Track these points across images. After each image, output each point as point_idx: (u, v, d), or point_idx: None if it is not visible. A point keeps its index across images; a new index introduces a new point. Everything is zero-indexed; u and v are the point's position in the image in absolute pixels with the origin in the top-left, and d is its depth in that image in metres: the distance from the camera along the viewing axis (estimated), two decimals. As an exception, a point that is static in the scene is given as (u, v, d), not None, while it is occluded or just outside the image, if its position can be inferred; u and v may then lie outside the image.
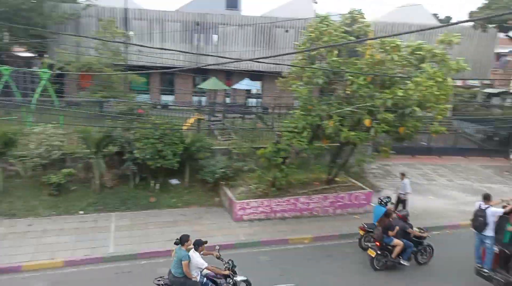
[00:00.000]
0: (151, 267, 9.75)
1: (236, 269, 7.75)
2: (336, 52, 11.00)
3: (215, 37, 26.14)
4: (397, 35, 4.92)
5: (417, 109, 9.80)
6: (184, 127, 15.29)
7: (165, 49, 6.17)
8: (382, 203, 10.76)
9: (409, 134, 11.41)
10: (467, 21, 3.82)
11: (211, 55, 7.35)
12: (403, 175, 13.66)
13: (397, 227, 9.59)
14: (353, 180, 14.88)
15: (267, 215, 12.75)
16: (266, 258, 10.34)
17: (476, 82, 46.52)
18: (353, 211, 13.56)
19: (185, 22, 25.64)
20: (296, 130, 11.22)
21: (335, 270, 9.84)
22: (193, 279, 7.09)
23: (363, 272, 9.81)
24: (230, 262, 7.76)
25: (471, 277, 9.14)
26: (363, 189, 13.99)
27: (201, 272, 7.27)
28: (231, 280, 7.52)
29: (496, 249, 8.53)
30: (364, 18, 11.92)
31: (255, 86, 25.97)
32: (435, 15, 36.26)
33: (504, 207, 8.51)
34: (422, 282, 9.47)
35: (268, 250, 10.47)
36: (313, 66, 11.32)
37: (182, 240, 7.13)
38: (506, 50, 49.38)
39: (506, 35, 25.02)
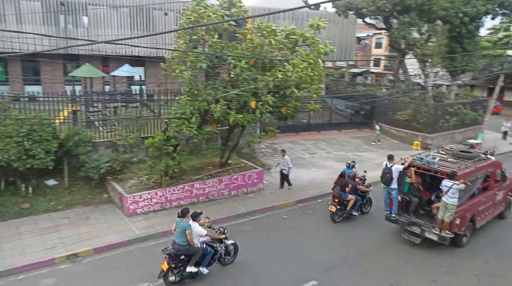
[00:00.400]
0: (32, 280, 8.72)
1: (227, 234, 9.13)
2: (216, 36, 11.13)
3: (85, 19, 23.73)
4: (270, 14, 5.27)
5: (295, 89, 10.62)
6: (57, 121, 13.72)
7: (22, 33, 5.39)
8: (350, 166, 12.42)
9: (290, 114, 12.35)
10: (319, 3, 4.29)
11: (80, 39, 6.67)
12: (283, 152, 14.73)
13: (350, 185, 11.69)
14: (245, 161, 15.51)
15: (162, 205, 12.50)
16: (165, 248, 10.17)
17: (343, 63, 52.65)
18: (247, 191, 14.21)
19: (46, 2, 22.60)
20: (184, 117, 11.12)
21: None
22: (195, 245, 8.29)
23: (255, 249, 10.48)
24: (221, 228, 9.08)
25: (384, 223, 11.14)
26: (255, 168, 14.71)
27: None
28: (223, 245, 9.02)
29: (399, 197, 10.59)
30: (242, 3, 12.28)
31: (137, 72, 24.60)
32: (304, 1, 39.28)
33: (402, 164, 10.44)
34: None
35: (167, 240, 10.31)
36: (196, 50, 11.27)
37: (184, 213, 8.28)
38: (365, 34, 57.05)
39: (363, 21, 28.63)
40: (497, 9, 23.18)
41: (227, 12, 11.76)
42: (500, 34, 35.93)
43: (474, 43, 24.07)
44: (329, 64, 54.48)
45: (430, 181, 11.24)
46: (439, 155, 11.03)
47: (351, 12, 26.28)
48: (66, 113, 15.81)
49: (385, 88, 35.61)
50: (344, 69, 51.10)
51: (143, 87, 25.39)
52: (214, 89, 11.15)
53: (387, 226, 11.38)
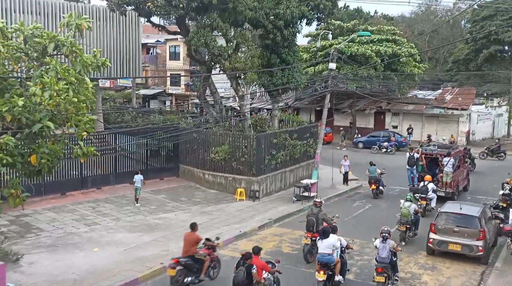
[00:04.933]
0: None
1: None
2: None
3: None
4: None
5: (50, 124, 9.90)
6: None
7: None
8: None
9: (47, 164, 11.36)
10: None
11: None
12: None
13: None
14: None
15: None
16: None
17: (127, 82, 53.50)
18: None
19: None
20: None
21: None
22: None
23: None
24: None
25: None
26: (-12, 264, 12.74)
27: None
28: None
29: (417, 174, 25.26)
30: None
31: None
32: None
33: (417, 152, 25.88)
34: None
35: None
36: None
37: (372, 163, 26.24)
38: (153, 41, 59.68)
39: (150, 22, 29.73)
40: (312, 12, 28.05)
41: None
42: (319, 44, 43.57)
43: (293, 53, 28.21)
44: (107, 84, 54.42)
45: (428, 164, 25.67)
46: (433, 147, 26.48)
47: (130, 7, 26.97)
48: None
49: (191, 116, 37.71)
50: (129, 91, 51.90)
51: None
52: None
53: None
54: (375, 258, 14.05)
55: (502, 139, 45.53)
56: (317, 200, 16.77)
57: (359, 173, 29.78)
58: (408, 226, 17.88)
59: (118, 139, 26.57)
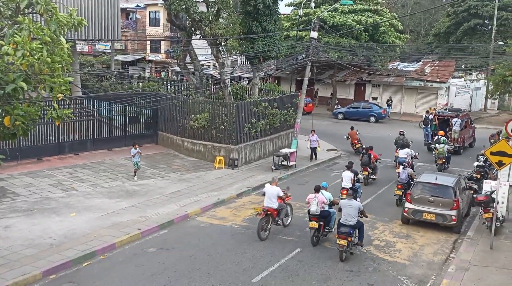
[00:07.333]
0: None
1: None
2: None
3: None
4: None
5: (24, 85, 9.62)
6: None
7: None
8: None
9: (21, 127, 11.11)
10: None
11: None
12: None
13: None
14: None
15: None
16: None
17: (105, 48, 52.50)
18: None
19: None
20: None
21: None
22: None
23: None
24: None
25: None
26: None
27: None
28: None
29: (430, 132, 30.72)
30: None
31: None
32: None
33: (431, 114, 31.94)
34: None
35: None
36: None
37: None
38: (133, 5, 58.62)
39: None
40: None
41: None
42: (301, 12, 43.13)
43: (274, 22, 27.84)
44: (85, 49, 53.32)
45: (440, 124, 30.14)
46: (444, 110, 32.29)
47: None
48: None
49: (170, 83, 37.30)
50: (107, 56, 51.00)
51: None
52: None
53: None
54: (397, 180, 20.27)
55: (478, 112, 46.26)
56: (401, 131, 26.47)
57: (339, 144, 30.19)
58: (444, 160, 24.24)
59: (96, 104, 26.16)
